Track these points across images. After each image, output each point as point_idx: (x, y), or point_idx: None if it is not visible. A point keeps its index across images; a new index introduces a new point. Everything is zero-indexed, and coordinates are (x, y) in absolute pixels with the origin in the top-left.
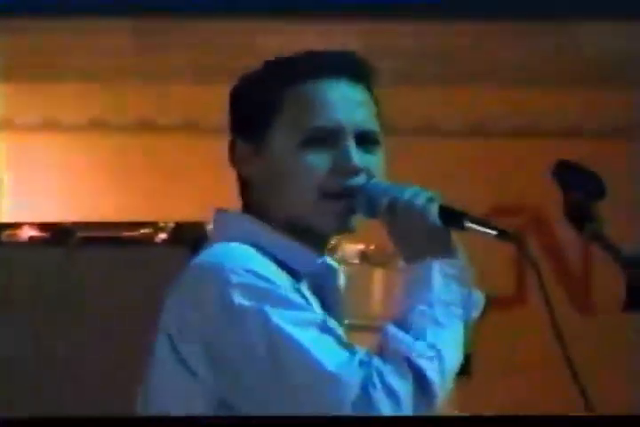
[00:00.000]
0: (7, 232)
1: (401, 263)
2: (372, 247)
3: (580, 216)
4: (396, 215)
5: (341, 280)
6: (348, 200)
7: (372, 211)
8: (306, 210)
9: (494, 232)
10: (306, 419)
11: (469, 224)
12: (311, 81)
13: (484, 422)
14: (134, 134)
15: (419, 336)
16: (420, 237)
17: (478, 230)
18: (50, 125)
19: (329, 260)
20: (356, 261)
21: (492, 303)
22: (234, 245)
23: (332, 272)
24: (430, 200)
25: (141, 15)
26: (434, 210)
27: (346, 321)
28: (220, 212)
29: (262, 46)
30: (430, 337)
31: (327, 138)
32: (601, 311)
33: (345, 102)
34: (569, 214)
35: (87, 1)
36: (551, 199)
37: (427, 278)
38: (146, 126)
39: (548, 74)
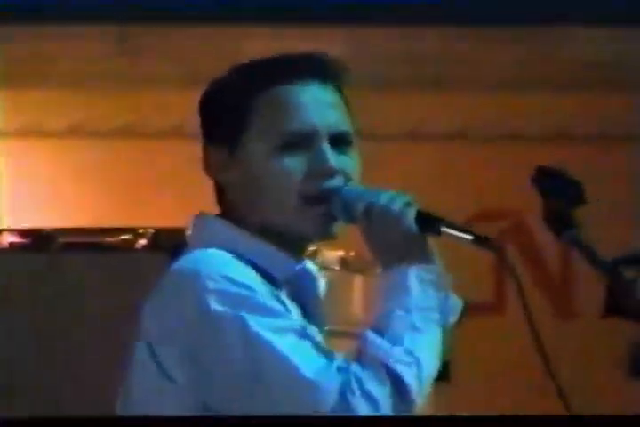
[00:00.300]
0: None
1: (379, 269)
2: (352, 254)
3: (559, 222)
4: (372, 220)
5: (322, 286)
6: (327, 205)
7: (348, 216)
8: (286, 215)
9: (471, 237)
10: (305, 419)
11: (445, 229)
12: (283, 84)
13: (484, 423)
14: (118, 140)
15: (396, 342)
16: (397, 242)
17: (455, 236)
18: (33, 131)
19: (308, 265)
20: (336, 267)
21: (471, 309)
22: (211, 251)
23: (311, 278)
24: (407, 205)
25: (126, 21)
26: (410, 215)
27: (326, 327)
28: (199, 216)
29: (248, 51)
30: (408, 343)
31: (302, 141)
32: (581, 316)
33: (317, 104)
34: (548, 220)
35: (72, 7)
36: (534, 205)
37: (404, 284)
38: (130, 132)
39: (534, 79)
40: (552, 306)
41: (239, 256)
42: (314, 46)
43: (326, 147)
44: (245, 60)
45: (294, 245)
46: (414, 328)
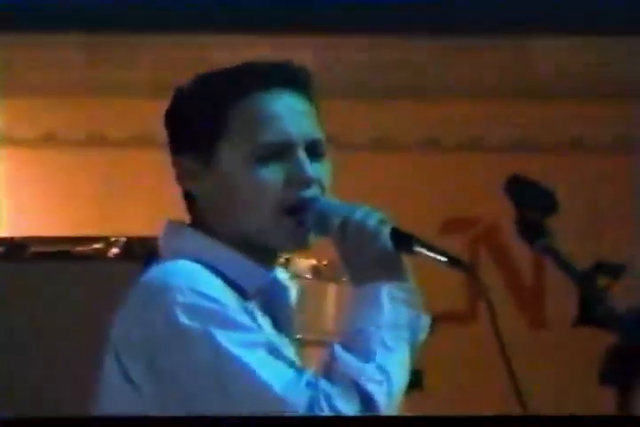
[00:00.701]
0: None
1: (351, 283)
2: (325, 262)
3: (532, 231)
4: (346, 235)
5: (293, 295)
6: (303, 215)
7: (322, 229)
8: (262, 226)
9: (444, 259)
10: (306, 419)
11: (419, 249)
12: (256, 93)
13: (484, 422)
14: (87, 149)
15: (367, 359)
16: (370, 258)
17: (428, 256)
18: (2, 140)
19: (279, 275)
20: (309, 276)
21: (444, 318)
22: (181, 262)
23: (282, 288)
24: (382, 222)
25: (94, 29)
26: (385, 232)
27: (298, 336)
28: (170, 225)
29: (217, 60)
30: (379, 360)
31: (278, 151)
32: (553, 325)
33: (291, 113)
34: (521, 229)
35: (41, 15)
36: (504, 213)
37: (376, 301)
38: (99, 141)
39: (502, 88)
40: (524, 314)
41: (209, 267)
42: (284, 55)
43: (303, 156)
44: (213, 69)
45: (266, 255)
46: (385, 346)
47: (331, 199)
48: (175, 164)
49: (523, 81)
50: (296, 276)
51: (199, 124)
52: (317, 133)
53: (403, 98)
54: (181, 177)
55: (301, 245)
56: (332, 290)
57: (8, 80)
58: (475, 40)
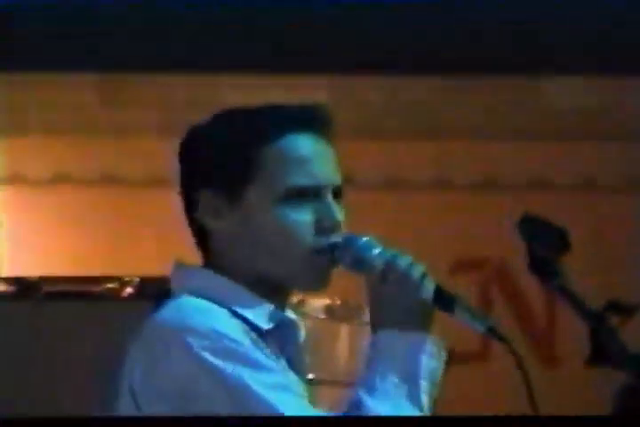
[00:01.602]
0: None
1: (367, 320)
2: (338, 302)
3: (545, 270)
4: (388, 281)
5: (302, 336)
6: (330, 256)
7: (359, 268)
8: (288, 266)
9: (483, 327)
10: (306, 419)
11: (459, 311)
12: (287, 136)
13: (484, 422)
14: (99, 188)
15: (394, 410)
16: (408, 309)
17: (466, 320)
18: (15, 180)
19: (290, 315)
20: (322, 315)
21: (457, 357)
22: (194, 301)
23: (293, 327)
24: (425, 275)
25: (106, 70)
26: (429, 287)
27: (310, 376)
28: (180, 266)
29: (229, 101)
30: (404, 412)
31: (308, 194)
32: (565, 363)
33: (319, 158)
34: (533, 268)
35: (53, 55)
36: (515, 252)
37: (405, 351)
38: (111, 180)
39: (516, 127)
40: (536, 353)
41: (222, 305)
42: (297, 96)
43: (331, 200)
44: (236, 108)
45: (279, 295)
46: (411, 398)
47: (370, 239)
48: (193, 196)
49: (536, 121)
50: (309, 315)
51: (228, 164)
52: (340, 179)
53: (415, 138)
54: (203, 212)
55: (324, 285)
56: (345, 330)
57: (21, 119)
58: (488, 80)
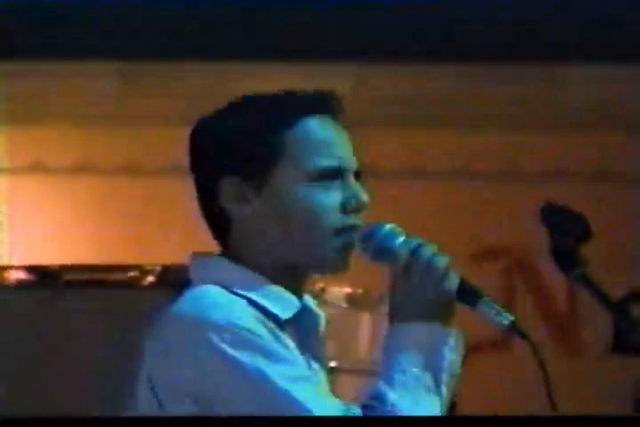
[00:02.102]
0: None
1: (387, 309)
2: (360, 291)
3: (567, 260)
4: (412, 270)
5: (323, 324)
6: (352, 236)
7: (380, 257)
8: (315, 248)
9: (506, 322)
10: (306, 420)
11: (482, 306)
12: (306, 120)
13: (484, 423)
14: (121, 177)
15: (414, 404)
16: (431, 300)
17: (488, 315)
18: (36, 169)
19: (309, 303)
20: (343, 304)
21: (479, 347)
22: (214, 292)
23: (313, 316)
24: (449, 266)
25: (126, 59)
26: (454, 279)
27: (332, 364)
28: (198, 256)
29: (251, 89)
30: (423, 405)
31: (333, 176)
32: (588, 353)
33: (339, 140)
34: (556, 257)
35: (72, 45)
36: (537, 241)
37: (431, 345)
38: (132, 170)
39: (536, 118)
40: (559, 342)
41: (241, 296)
42: (316, 84)
43: (355, 182)
44: (251, 95)
45: (299, 283)
46: (428, 390)
47: (395, 228)
48: (217, 186)
49: (553, 110)
50: (331, 304)
51: (251, 150)
52: (357, 160)
53: (436, 127)
54: (227, 200)
55: (346, 267)
56: (366, 318)
57: (42, 108)
58: (504, 69)
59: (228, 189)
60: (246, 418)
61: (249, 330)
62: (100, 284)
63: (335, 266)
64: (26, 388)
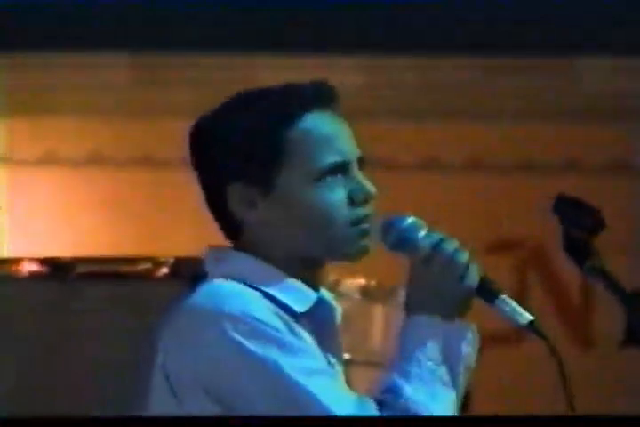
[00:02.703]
0: (6, 267)
1: (402, 300)
2: (373, 283)
3: (580, 252)
4: (431, 264)
5: (339, 316)
6: (365, 226)
7: (401, 248)
8: (330, 240)
9: (524, 322)
10: (307, 420)
11: (501, 303)
12: (306, 116)
13: (485, 423)
14: (133, 169)
15: (430, 398)
16: (448, 294)
17: (506, 313)
18: (49, 160)
19: (325, 295)
20: (357, 296)
21: (491, 339)
22: (230, 285)
23: (329, 308)
24: (470, 262)
25: (140, 50)
26: (474, 275)
27: (346, 356)
28: (213, 249)
29: (262, 81)
30: (440, 398)
31: (338, 171)
32: (601, 345)
33: (341, 134)
34: (569, 249)
35: (86, 36)
36: (551, 233)
37: (448, 339)
38: (145, 161)
39: (548, 109)
40: (572, 334)
41: (257, 289)
42: (328, 76)
43: (359, 174)
44: (246, 93)
45: (315, 276)
46: (443, 383)
47: (418, 220)
48: (225, 191)
49: (569, 102)
50: (345, 296)
51: (255, 153)
52: (360, 151)
53: (448, 119)
54: (236, 205)
55: (363, 254)
56: (379, 310)
57: (54, 100)
58: (519, 60)
59: (235, 194)
60: (246, 418)
61: (264, 322)
62: (113, 276)
63: (356, 250)
64: (38, 379)
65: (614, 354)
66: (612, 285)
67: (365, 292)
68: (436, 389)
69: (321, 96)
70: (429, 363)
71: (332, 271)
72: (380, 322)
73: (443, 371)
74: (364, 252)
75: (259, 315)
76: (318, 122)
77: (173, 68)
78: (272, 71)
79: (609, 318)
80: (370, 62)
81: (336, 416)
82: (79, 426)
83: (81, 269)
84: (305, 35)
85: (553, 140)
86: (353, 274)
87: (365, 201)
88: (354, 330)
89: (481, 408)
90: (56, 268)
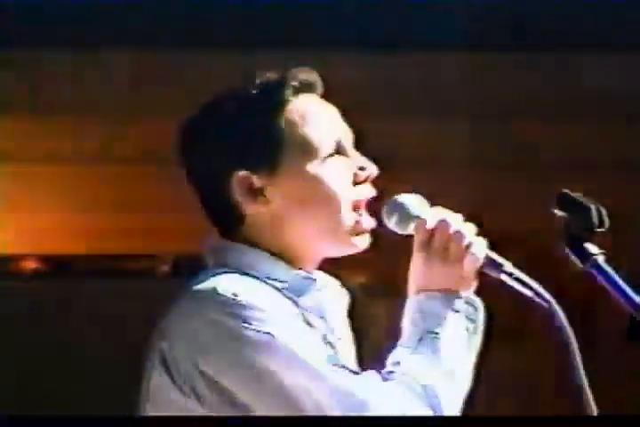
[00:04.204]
0: (10, 264)
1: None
2: (375, 279)
3: (582, 248)
4: (437, 240)
5: (345, 302)
6: (364, 211)
7: (404, 226)
8: (336, 230)
9: (529, 292)
10: (307, 419)
11: (507, 276)
12: (299, 99)
13: (487, 423)
14: (134, 166)
15: (434, 369)
16: (451, 270)
17: (513, 285)
18: (50, 158)
19: (331, 283)
20: (359, 291)
21: (494, 336)
22: (228, 273)
23: (333, 296)
24: (474, 236)
25: (139, 48)
26: (479, 247)
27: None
28: (213, 241)
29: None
30: (445, 368)
31: (337, 151)
32: (605, 341)
33: (334, 115)
34: (571, 246)
35: (86, 35)
36: (553, 230)
37: (450, 312)
38: (146, 158)
39: (551, 106)
40: (576, 331)
41: (256, 278)
42: (327, 73)
43: (356, 153)
44: (237, 86)
45: (315, 264)
46: (450, 356)
47: (420, 198)
48: (226, 182)
49: (570, 99)
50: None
51: (254, 140)
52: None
53: (449, 116)
54: (240, 196)
55: (364, 246)
56: (381, 306)
57: (54, 98)
58: (521, 57)
59: (241, 183)
60: (246, 418)
61: (260, 308)
62: (115, 273)
63: (353, 247)
64: (42, 375)
65: (618, 349)
66: (613, 281)
67: (367, 287)
68: (436, 361)
69: (308, 81)
70: (430, 336)
71: (332, 267)
72: (382, 317)
73: (443, 343)
74: (361, 247)
75: (256, 302)
76: (310, 104)
77: (173, 65)
78: (272, 69)
79: (611, 316)
80: (368, 59)
81: (336, 416)
82: (79, 426)
83: (83, 266)
84: (301, 30)
85: (556, 137)
86: (355, 269)
87: (367, 178)
88: (354, 327)
89: (482, 408)
90: (59, 265)
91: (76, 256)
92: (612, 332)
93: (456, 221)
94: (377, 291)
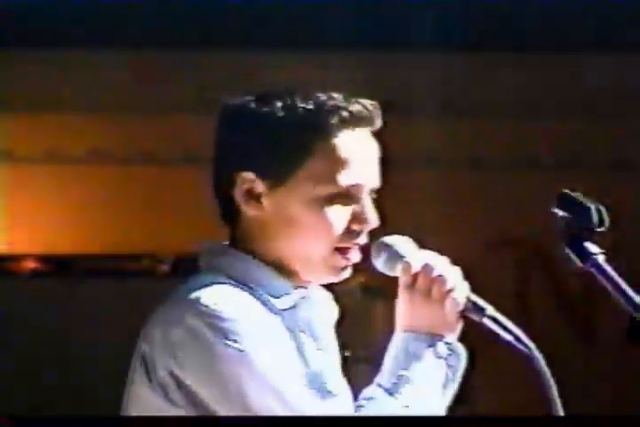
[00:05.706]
0: (9, 264)
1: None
2: (372, 279)
3: (581, 247)
4: (421, 284)
5: (331, 314)
6: (350, 255)
7: (390, 269)
8: (314, 261)
9: (510, 338)
10: (307, 419)
11: (489, 321)
12: (343, 132)
13: (485, 423)
14: (134, 166)
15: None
16: (434, 314)
17: (494, 328)
18: (51, 157)
19: (318, 294)
20: (357, 292)
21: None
22: (213, 280)
23: (318, 306)
24: (457, 280)
25: (140, 48)
26: (462, 292)
27: (347, 353)
28: (206, 244)
29: (263, 78)
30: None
31: (349, 194)
32: (604, 341)
33: (370, 157)
34: (571, 245)
35: (87, 34)
36: (553, 230)
37: (428, 356)
38: (146, 158)
39: (549, 106)
40: (575, 331)
41: (241, 284)
42: (328, 74)
43: (369, 201)
44: (290, 93)
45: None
46: (422, 401)
47: (407, 240)
48: (233, 179)
49: (573, 99)
50: (345, 293)
51: (279, 150)
52: (377, 181)
53: (449, 116)
54: (239, 195)
55: (340, 279)
56: (379, 307)
57: (56, 98)
58: (520, 57)
59: (242, 184)
60: (246, 418)
61: (239, 322)
62: (115, 272)
63: (327, 279)
64: (42, 375)
65: (617, 350)
66: (613, 281)
67: (364, 288)
68: (406, 406)
69: (363, 116)
70: (408, 380)
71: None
72: (380, 318)
73: (418, 390)
74: (338, 279)
75: (234, 311)
76: (353, 142)
77: (174, 65)
78: (273, 69)
79: (611, 316)
80: (369, 59)
81: (336, 416)
82: (79, 426)
83: (83, 266)
84: (304, 32)
85: (555, 137)
86: (354, 272)
87: (364, 230)
88: (353, 326)
89: (481, 408)
90: (58, 265)
91: (76, 256)
92: (612, 332)
93: (441, 265)
94: (377, 291)
